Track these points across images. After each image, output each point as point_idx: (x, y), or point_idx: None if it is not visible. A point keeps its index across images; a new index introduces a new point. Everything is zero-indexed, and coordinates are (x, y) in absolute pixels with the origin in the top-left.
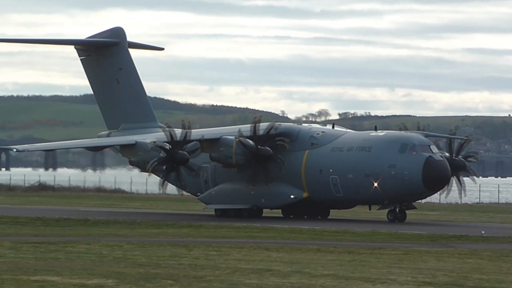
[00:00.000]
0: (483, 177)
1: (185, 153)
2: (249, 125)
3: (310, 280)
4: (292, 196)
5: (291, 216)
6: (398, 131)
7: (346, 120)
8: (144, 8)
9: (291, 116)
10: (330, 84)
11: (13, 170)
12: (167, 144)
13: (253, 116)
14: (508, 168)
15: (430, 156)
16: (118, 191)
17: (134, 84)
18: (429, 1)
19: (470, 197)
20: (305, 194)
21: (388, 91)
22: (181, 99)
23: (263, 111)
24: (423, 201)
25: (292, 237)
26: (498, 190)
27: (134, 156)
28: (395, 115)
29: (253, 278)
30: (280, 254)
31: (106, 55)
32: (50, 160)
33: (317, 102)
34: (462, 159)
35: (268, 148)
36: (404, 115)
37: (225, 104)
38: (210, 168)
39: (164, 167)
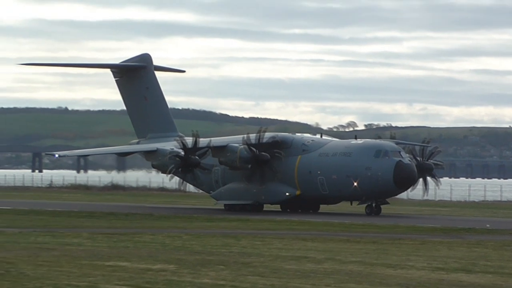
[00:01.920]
0: (488, 178)
1: (197, 157)
2: (255, 134)
3: (341, 266)
4: (287, 194)
5: (288, 210)
6: (374, 140)
7: (371, 130)
8: (199, 36)
9: (324, 127)
10: (357, 99)
11: (90, 172)
12: (182, 151)
13: (292, 127)
14: (509, 171)
15: (400, 160)
16: (177, 190)
17: (159, 101)
18: (442, 29)
19: (476, 196)
20: (297, 192)
21: (407, 106)
22: (230, 113)
23: (300, 122)
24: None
25: (325, 229)
26: (501, 190)
27: (155, 160)
28: (413, 126)
29: (292, 264)
30: (315, 244)
31: (135, 76)
32: (121, 163)
33: (346, 115)
34: (430, 162)
35: (267, 154)
36: (420, 126)
37: (268, 117)
38: (220, 170)
39: (180, 170)
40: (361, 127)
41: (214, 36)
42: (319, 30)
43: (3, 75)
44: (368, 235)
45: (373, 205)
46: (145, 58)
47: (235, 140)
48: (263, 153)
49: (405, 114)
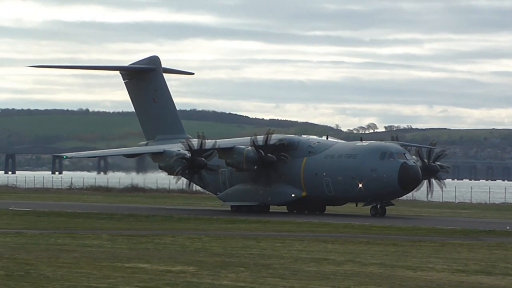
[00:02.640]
0: (508, 180)
1: (203, 159)
2: (262, 136)
3: (361, 268)
4: (293, 195)
5: (295, 211)
6: (379, 142)
7: (391, 132)
8: (220, 38)
9: (344, 129)
10: (378, 101)
11: (110, 174)
12: (188, 153)
13: (313, 128)
14: None
15: (405, 162)
16: (197, 192)
17: (167, 103)
18: (462, 32)
19: (497, 198)
20: (303, 193)
21: (427, 108)
22: (251, 115)
23: (320, 124)
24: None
25: (345, 231)
26: None
27: (163, 162)
28: (433, 128)
29: (312, 266)
30: (335, 246)
31: (144, 78)
32: (141, 165)
33: (367, 117)
34: (436, 164)
35: (273, 156)
36: (441, 128)
37: (289, 119)
38: (227, 172)
39: (187, 171)
40: (381, 129)
41: (235, 38)
42: (340, 32)
43: (24, 77)
44: (388, 237)
45: (378, 206)
46: (154, 61)
47: (242, 141)
48: (270, 155)
49: (426, 116)
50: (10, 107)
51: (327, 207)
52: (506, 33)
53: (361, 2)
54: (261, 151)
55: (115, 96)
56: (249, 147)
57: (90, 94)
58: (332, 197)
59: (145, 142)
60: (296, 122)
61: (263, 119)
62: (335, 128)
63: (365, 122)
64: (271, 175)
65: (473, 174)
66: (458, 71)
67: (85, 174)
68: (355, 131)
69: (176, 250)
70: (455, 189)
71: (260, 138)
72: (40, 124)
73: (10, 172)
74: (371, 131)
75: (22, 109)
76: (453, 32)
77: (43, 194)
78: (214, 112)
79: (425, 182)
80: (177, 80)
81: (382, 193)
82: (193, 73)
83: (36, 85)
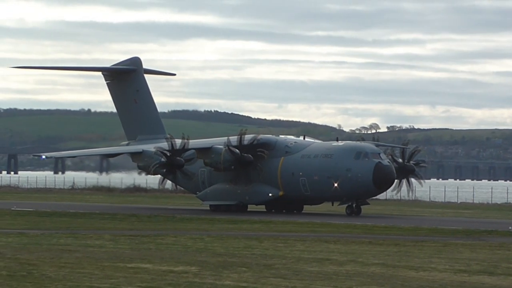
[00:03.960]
0: (510, 181)
1: (181, 159)
2: (236, 136)
3: (363, 268)
4: (270, 194)
5: (273, 210)
6: (354, 142)
7: (393, 132)
8: (223, 38)
9: (346, 129)
10: (380, 101)
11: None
12: (167, 151)
13: (315, 129)
14: None
15: (379, 162)
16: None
17: (148, 103)
18: (464, 32)
19: (499, 198)
20: (280, 193)
21: (430, 108)
22: (253, 115)
23: (322, 125)
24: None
25: (347, 231)
26: None
27: (141, 162)
28: (435, 128)
29: (315, 266)
30: (337, 246)
31: (126, 79)
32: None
33: (369, 117)
34: (412, 164)
35: (250, 156)
36: (443, 128)
37: (291, 119)
38: (207, 171)
39: (164, 170)
40: (383, 129)
41: (237, 38)
42: (342, 32)
43: (27, 77)
44: (390, 237)
45: (353, 205)
46: (136, 62)
47: (219, 142)
48: (247, 154)
49: (428, 116)
50: (12, 107)
51: (305, 206)
52: (508, 33)
53: (363, 2)
54: (238, 151)
55: None
56: (227, 147)
57: (92, 94)
58: (309, 196)
59: (126, 142)
60: (298, 122)
61: (265, 119)
62: (337, 128)
63: (367, 122)
64: (248, 175)
65: (475, 174)
66: (460, 71)
67: (87, 174)
68: (357, 131)
69: (178, 250)
70: (457, 189)
71: (237, 138)
72: (42, 124)
73: (12, 172)
74: (373, 131)
75: (25, 109)
76: (455, 32)
77: (45, 194)
78: (216, 112)
79: (403, 181)
80: (179, 80)
81: (357, 193)
82: (174, 74)
83: (38, 85)
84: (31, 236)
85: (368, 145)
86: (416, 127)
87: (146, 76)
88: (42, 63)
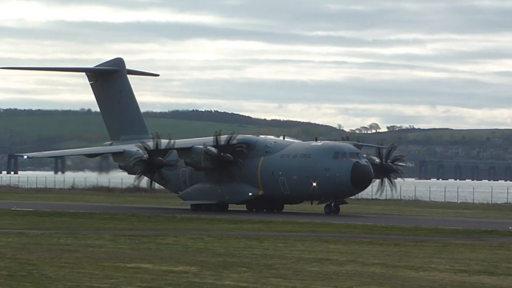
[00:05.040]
0: (510, 181)
1: (162, 159)
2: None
3: (363, 268)
4: (250, 194)
5: (254, 210)
6: (332, 142)
7: (393, 132)
8: (223, 38)
9: (346, 129)
10: (380, 101)
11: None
12: (145, 155)
13: (315, 129)
14: None
15: (357, 161)
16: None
17: (131, 103)
18: (465, 32)
19: (499, 198)
20: (260, 192)
21: (430, 108)
22: (253, 115)
23: (323, 125)
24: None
25: (347, 231)
26: None
27: (122, 162)
28: (435, 128)
29: (315, 266)
30: (337, 246)
31: (109, 80)
32: None
33: (369, 117)
34: (391, 163)
35: (229, 155)
36: (443, 128)
37: (291, 119)
38: (188, 171)
39: (145, 171)
40: (383, 129)
41: (238, 38)
42: (342, 32)
43: (27, 77)
44: (390, 237)
45: (332, 204)
46: (119, 63)
47: (200, 141)
48: (227, 154)
49: (428, 116)
50: (12, 107)
51: (285, 206)
52: (508, 33)
53: (363, 2)
54: (219, 151)
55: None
56: (207, 147)
57: (92, 94)
58: (288, 195)
59: (109, 142)
60: (298, 122)
61: (265, 119)
62: (337, 128)
63: (367, 122)
64: (228, 174)
65: (476, 174)
66: (460, 71)
67: (87, 174)
68: (357, 131)
69: (178, 250)
70: (457, 189)
71: (219, 138)
72: (43, 124)
73: (12, 172)
74: (374, 131)
75: (25, 109)
76: (455, 32)
77: (45, 194)
78: (216, 112)
79: (381, 180)
80: (180, 80)
81: (335, 192)
82: (158, 75)
83: (38, 85)
84: (31, 236)
85: (346, 145)
86: (416, 127)
87: (130, 76)
88: (42, 63)
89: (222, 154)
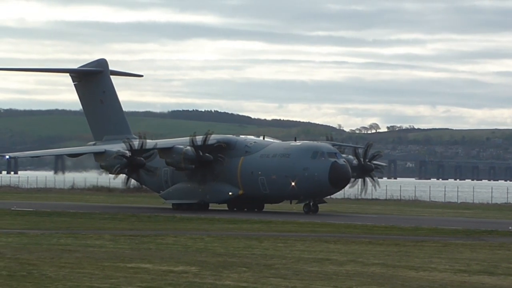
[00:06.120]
0: (510, 181)
1: (142, 158)
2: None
3: (363, 268)
4: (230, 193)
5: (235, 209)
6: (311, 142)
7: (393, 132)
8: (223, 38)
9: (346, 129)
10: (380, 101)
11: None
12: (128, 152)
13: (315, 129)
14: None
15: (335, 161)
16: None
17: (114, 104)
18: (465, 32)
19: (499, 198)
20: (240, 192)
21: (430, 108)
22: (253, 115)
23: (323, 124)
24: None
25: (347, 231)
26: None
27: (104, 161)
28: (435, 128)
29: (315, 266)
30: (337, 246)
31: (92, 81)
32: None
33: (369, 117)
34: (369, 163)
35: (208, 155)
36: (443, 128)
37: (291, 119)
38: (169, 171)
39: (127, 170)
40: (383, 129)
41: (238, 38)
42: (342, 32)
43: (27, 77)
44: (390, 237)
45: (311, 204)
46: (102, 64)
47: (181, 142)
48: (207, 154)
49: (428, 116)
50: (12, 108)
51: (266, 205)
52: (508, 33)
53: (363, 2)
54: (199, 151)
55: (120, 97)
56: (188, 147)
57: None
58: (268, 195)
59: (93, 143)
60: (298, 122)
61: (265, 119)
62: (337, 128)
63: (367, 122)
64: (208, 174)
65: (476, 174)
66: (460, 71)
67: (87, 174)
68: (357, 131)
69: (178, 250)
70: (458, 189)
71: (198, 139)
72: (42, 125)
73: (12, 172)
74: (374, 131)
75: (25, 110)
76: (455, 32)
77: (45, 194)
78: (216, 112)
79: (363, 180)
80: (180, 80)
81: (314, 191)
82: (141, 75)
83: (38, 85)
84: (31, 236)
85: (325, 144)
86: (416, 127)
87: (113, 77)
88: (42, 63)
89: (201, 154)
